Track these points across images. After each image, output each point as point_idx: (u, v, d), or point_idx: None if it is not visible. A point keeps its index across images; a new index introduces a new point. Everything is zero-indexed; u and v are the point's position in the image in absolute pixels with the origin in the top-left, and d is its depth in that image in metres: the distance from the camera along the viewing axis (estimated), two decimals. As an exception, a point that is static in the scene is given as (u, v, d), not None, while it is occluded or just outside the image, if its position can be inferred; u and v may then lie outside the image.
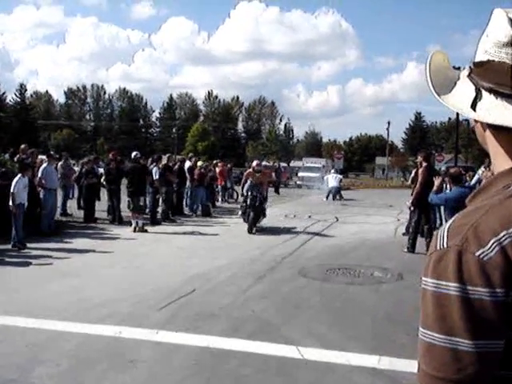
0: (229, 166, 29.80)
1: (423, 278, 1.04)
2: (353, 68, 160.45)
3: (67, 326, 6.23)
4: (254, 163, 15.96)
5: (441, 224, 13.45)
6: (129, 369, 5.08)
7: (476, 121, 1.15)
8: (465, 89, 1.13)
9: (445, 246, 1.02)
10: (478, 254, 0.97)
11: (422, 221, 11.93)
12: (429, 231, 11.83)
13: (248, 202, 15.01)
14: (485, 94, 1.08)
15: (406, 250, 11.89)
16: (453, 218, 1.07)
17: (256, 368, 5.16)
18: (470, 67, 1.14)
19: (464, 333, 0.96)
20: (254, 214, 14.83)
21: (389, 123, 77.19)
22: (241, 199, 17.11)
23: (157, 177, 16.36)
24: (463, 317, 0.96)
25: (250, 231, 14.60)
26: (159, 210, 16.98)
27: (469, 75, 1.13)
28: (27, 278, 8.87)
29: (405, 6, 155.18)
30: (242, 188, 15.93)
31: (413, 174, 15.13)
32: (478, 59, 1.12)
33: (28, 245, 11.51)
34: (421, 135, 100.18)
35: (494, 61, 1.07)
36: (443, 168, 26.17)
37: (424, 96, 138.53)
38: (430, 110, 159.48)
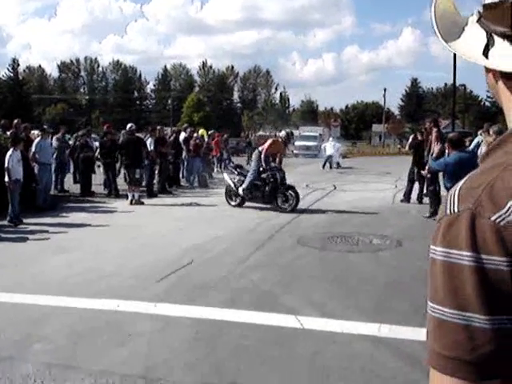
0: (225, 136, 29.62)
1: (431, 247, 0.93)
2: (348, 35, 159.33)
3: (64, 301, 6.17)
4: (285, 132, 14.69)
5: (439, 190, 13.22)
6: (127, 342, 5.02)
7: (487, 70, 1.03)
8: (475, 34, 1.00)
9: (456, 210, 0.90)
10: (493, 218, 0.85)
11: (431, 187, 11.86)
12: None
13: (280, 179, 13.21)
14: (497, 39, 0.95)
15: (428, 214, 11.80)
16: (464, 179, 0.95)
17: (256, 338, 5.11)
18: (478, 12, 1.01)
19: (478, 307, 0.85)
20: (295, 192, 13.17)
21: (385, 90, 76.61)
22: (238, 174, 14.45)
23: (152, 148, 16.22)
24: (477, 289, 0.85)
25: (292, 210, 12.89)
26: (155, 182, 16.85)
27: (478, 20, 1.01)
28: (24, 254, 8.80)
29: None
30: (266, 161, 13.53)
31: (410, 140, 15.03)
32: (488, 1, 0.99)
33: (24, 220, 11.42)
34: (417, 101, 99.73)
35: (507, 1, 0.94)
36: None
37: (420, 62, 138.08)
38: (426, 75, 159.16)
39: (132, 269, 7.59)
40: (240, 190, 13.63)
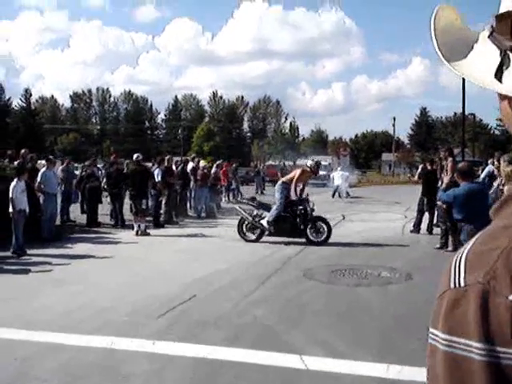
0: (234, 165, 29.49)
1: (431, 330, 0.71)
2: (357, 65, 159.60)
3: (59, 338, 5.93)
4: (314, 162, 13.72)
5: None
6: (121, 384, 4.79)
7: (502, 96, 0.82)
8: (486, 53, 0.79)
9: (462, 282, 0.69)
10: None
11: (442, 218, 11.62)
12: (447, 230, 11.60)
13: (310, 210, 12.83)
14: None
15: (438, 245, 11.75)
16: (473, 239, 0.73)
17: (255, 380, 4.85)
18: (491, 26, 0.80)
19: None
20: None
21: (394, 119, 76.96)
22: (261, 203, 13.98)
23: (159, 179, 16.11)
24: None
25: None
26: (162, 212, 16.67)
27: (490, 35, 0.80)
28: (24, 287, 8.59)
29: (408, 1, 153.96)
30: (296, 191, 12.94)
31: (419, 170, 14.83)
32: (502, 10, 0.80)
33: (28, 251, 11.23)
34: (427, 130, 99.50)
35: None
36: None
37: (429, 91, 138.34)
38: (435, 104, 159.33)
39: (132, 304, 7.36)
40: (264, 223, 12.79)
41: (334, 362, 5.23)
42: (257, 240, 12.96)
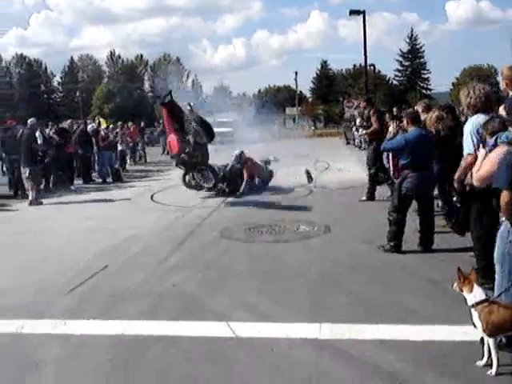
0: (142, 125, 28.57)
1: None
2: (257, 20, 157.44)
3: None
4: None
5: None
6: (32, 375, 4.24)
7: None
8: None
9: None
10: None
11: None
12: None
13: None
14: None
15: (364, 198, 11.60)
16: None
17: (183, 355, 4.42)
18: None
19: None
20: None
21: (296, 73, 77.11)
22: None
23: (40, 141, 14.97)
24: None
25: None
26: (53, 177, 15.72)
27: None
28: None
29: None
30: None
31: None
32: None
33: None
34: (328, 83, 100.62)
35: None
36: (356, 113, 25.88)
37: (329, 44, 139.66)
38: (334, 57, 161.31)
39: (37, 281, 6.67)
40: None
41: (264, 326, 4.92)
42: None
